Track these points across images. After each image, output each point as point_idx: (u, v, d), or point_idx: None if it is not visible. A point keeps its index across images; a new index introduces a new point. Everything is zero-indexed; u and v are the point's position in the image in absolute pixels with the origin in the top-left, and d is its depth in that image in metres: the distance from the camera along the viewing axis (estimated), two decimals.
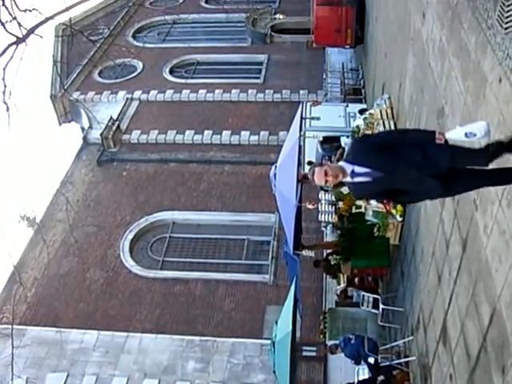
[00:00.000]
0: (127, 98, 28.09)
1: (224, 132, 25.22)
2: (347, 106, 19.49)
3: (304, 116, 17.14)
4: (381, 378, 11.31)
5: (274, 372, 12.04)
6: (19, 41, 5.54)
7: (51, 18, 5.69)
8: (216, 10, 33.89)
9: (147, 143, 25.54)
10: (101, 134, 24.93)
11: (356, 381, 12.47)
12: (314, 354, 15.93)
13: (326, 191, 15.70)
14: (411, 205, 11.24)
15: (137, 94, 28.39)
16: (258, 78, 29.04)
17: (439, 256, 9.02)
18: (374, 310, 13.45)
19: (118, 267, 20.04)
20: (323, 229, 18.20)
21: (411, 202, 6.44)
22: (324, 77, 26.90)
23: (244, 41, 32.85)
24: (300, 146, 13.87)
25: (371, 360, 11.92)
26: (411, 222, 11.39)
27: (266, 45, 32.09)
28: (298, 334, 12.66)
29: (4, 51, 5.54)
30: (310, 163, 16.81)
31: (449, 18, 8.40)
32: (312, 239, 17.60)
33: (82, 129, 27.45)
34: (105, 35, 30.11)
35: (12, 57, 5.60)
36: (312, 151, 16.96)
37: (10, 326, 12.70)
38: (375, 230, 12.61)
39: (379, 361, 11.96)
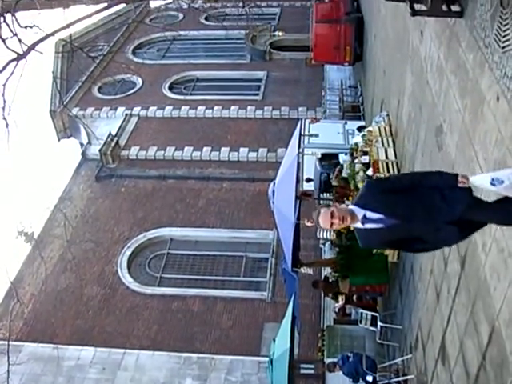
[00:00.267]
0: (126, 114, 28.16)
1: (223, 148, 25.26)
2: (346, 123, 19.54)
3: (302, 133, 17.18)
4: None
5: None
6: (19, 57, 5.56)
7: (52, 34, 5.72)
8: (215, 26, 34.06)
9: (146, 159, 25.56)
10: (99, 150, 24.95)
11: None
12: (311, 371, 15.80)
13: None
14: None
15: (136, 110, 28.45)
16: (257, 94, 29.15)
17: (438, 274, 9.01)
18: (372, 328, 13.41)
19: (116, 283, 19.97)
20: (321, 246, 18.18)
21: (427, 250, 5.83)
22: (323, 94, 27.03)
23: (243, 58, 33.01)
24: (298, 163, 13.92)
25: (369, 378, 11.86)
26: None
27: (265, 62, 32.24)
28: (295, 352, 12.62)
29: (4, 67, 5.56)
30: (308, 180, 16.88)
31: (446, 36, 8.45)
32: (310, 256, 17.57)
33: (81, 144, 27.49)
34: (104, 51, 30.26)
35: (12, 73, 5.62)
36: (310, 168, 16.98)
37: (6, 343, 12.65)
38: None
39: (377, 379, 11.90)
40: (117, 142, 25.90)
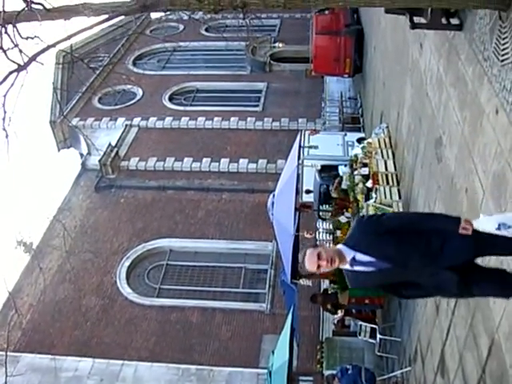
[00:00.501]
0: (126, 125, 28.18)
1: (222, 160, 25.27)
2: (345, 134, 19.57)
3: (302, 144, 17.21)
4: None
5: None
6: (20, 68, 5.57)
7: (53, 45, 5.72)
8: (216, 38, 34.16)
9: (145, 170, 25.57)
10: (99, 161, 24.96)
11: None
12: (310, 383, 15.78)
13: (323, 220, 15.70)
14: None
15: (136, 120, 28.48)
16: (257, 106, 29.19)
17: None
18: (371, 340, 13.37)
19: (115, 294, 19.92)
20: None
21: (419, 297, 5.56)
22: (322, 105, 27.08)
23: (243, 69, 33.08)
24: (298, 175, 13.93)
25: None
26: None
27: (265, 73, 32.29)
28: (294, 364, 12.59)
29: (5, 79, 5.57)
30: (308, 192, 16.88)
31: (446, 49, 8.48)
32: None
33: (81, 155, 27.53)
34: (105, 62, 30.33)
35: (13, 84, 5.62)
36: (310, 180, 16.99)
37: (3, 353, 12.60)
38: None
39: None
40: (116, 153, 25.92)
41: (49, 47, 5.74)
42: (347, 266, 4.51)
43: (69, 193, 25.16)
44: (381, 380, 12.19)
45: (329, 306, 14.29)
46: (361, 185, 13.08)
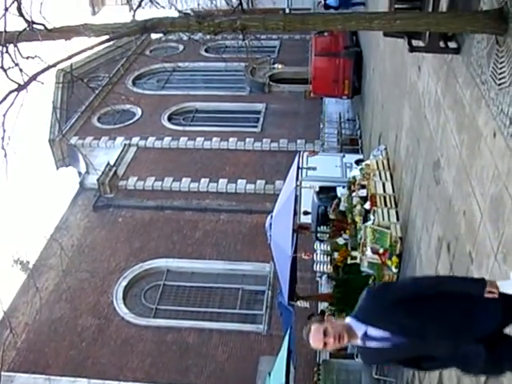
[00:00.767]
0: (125, 144, 28.23)
1: (220, 180, 25.29)
2: (344, 156, 19.60)
3: (301, 166, 17.23)
4: None
5: None
6: (20, 88, 5.59)
7: (53, 65, 5.75)
8: (215, 58, 34.33)
9: (144, 190, 25.57)
10: (97, 180, 24.98)
11: None
12: None
13: (321, 241, 15.67)
14: (406, 257, 11.23)
15: (135, 140, 28.53)
16: (256, 126, 29.28)
17: None
18: None
19: (111, 314, 19.82)
20: (318, 279, 18.10)
21: (440, 368, 4.98)
22: (321, 127, 27.15)
23: (242, 89, 33.22)
24: (296, 196, 13.95)
25: None
26: (406, 273, 11.33)
27: (264, 94, 32.43)
28: None
29: (5, 98, 5.59)
30: (306, 213, 16.87)
31: (444, 72, 8.53)
32: (307, 289, 17.49)
33: (79, 173, 27.55)
34: (105, 82, 30.44)
35: (12, 103, 5.64)
36: (308, 201, 16.99)
37: None
38: (370, 282, 12.55)
39: None
40: (115, 172, 25.94)
41: (49, 67, 5.77)
42: (358, 342, 4.05)
43: (66, 211, 25.13)
44: None
45: None
46: (359, 207, 13.07)
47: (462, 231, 7.36)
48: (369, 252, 11.58)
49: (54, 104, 25.42)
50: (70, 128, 29.34)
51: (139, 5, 8.57)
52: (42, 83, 5.87)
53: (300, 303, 13.99)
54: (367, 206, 12.76)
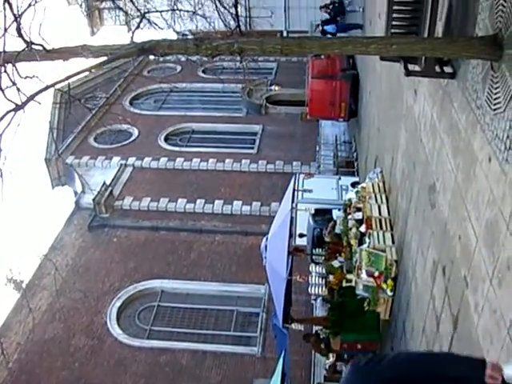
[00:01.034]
0: (121, 164, 28.25)
1: (216, 201, 25.29)
2: (340, 178, 19.61)
3: (296, 188, 17.25)
4: None
5: None
6: (18, 108, 5.59)
7: (51, 86, 5.77)
8: (213, 79, 34.49)
9: (139, 210, 25.54)
10: (93, 199, 24.94)
11: None
12: None
13: (316, 264, 15.65)
14: (402, 280, 11.21)
15: (131, 160, 28.56)
16: (252, 148, 29.35)
17: (430, 333, 8.92)
18: None
19: (104, 335, 19.70)
20: (313, 301, 18.03)
21: None
22: (317, 149, 27.21)
23: (239, 111, 33.33)
24: (292, 218, 13.93)
25: None
26: (402, 297, 11.31)
27: (260, 116, 32.55)
28: None
29: (2, 118, 5.59)
30: (301, 235, 16.86)
31: (440, 96, 8.59)
32: (301, 311, 17.44)
33: (75, 193, 27.51)
34: (102, 102, 30.51)
35: (9, 123, 5.64)
36: (304, 223, 16.98)
37: None
38: (365, 305, 12.50)
39: None
40: (111, 192, 25.92)
41: (47, 87, 5.79)
42: None
43: (61, 231, 25.06)
44: None
45: (322, 346, 14.15)
46: (354, 229, 13.06)
47: (458, 255, 7.36)
48: (364, 275, 11.55)
49: (50, 124, 25.48)
50: (67, 147, 29.36)
51: (137, 26, 8.64)
52: (40, 103, 5.89)
53: (295, 326, 13.92)
54: (363, 228, 12.76)
